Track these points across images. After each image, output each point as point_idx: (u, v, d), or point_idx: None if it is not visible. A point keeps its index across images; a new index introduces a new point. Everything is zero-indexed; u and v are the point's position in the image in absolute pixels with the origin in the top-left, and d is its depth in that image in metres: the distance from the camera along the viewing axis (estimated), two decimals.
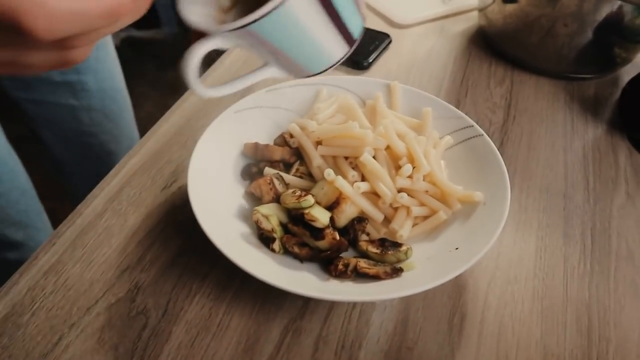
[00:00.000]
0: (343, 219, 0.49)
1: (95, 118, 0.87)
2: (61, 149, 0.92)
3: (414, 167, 0.50)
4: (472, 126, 0.57)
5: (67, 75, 0.80)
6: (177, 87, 0.99)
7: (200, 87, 0.37)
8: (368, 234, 0.50)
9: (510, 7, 0.73)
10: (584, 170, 0.62)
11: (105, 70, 0.86)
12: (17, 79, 0.79)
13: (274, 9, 0.32)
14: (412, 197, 0.51)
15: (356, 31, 0.38)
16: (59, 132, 0.88)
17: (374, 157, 0.52)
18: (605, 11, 0.67)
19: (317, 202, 0.49)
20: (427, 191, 0.52)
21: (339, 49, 0.38)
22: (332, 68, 0.39)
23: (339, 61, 0.38)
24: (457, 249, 0.47)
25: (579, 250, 0.53)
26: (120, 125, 0.91)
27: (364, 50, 0.76)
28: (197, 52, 0.35)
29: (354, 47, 0.38)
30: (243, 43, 0.36)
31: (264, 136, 0.58)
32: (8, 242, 0.84)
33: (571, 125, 0.68)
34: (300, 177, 0.54)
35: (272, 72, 0.39)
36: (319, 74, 0.39)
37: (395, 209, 0.51)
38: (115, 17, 0.29)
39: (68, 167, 0.96)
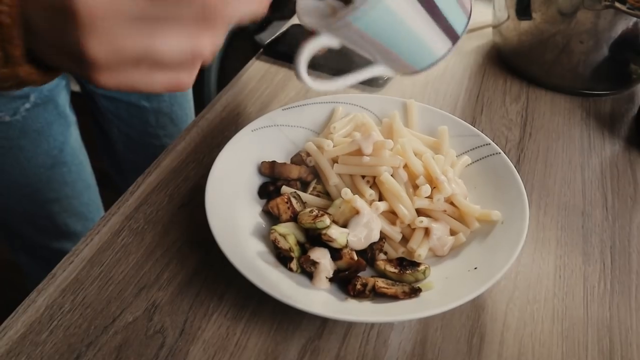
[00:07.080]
0: None
1: (162, 121, 0.92)
2: (124, 146, 0.96)
3: (433, 188, 0.50)
4: (489, 144, 0.56)
5: None
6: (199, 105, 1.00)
7: (310, 80, 0.39)
8: (386, 253, 0.50)
9: (525, 24, 0.73)
10: (602, 187, 0.62)
11: None
12: None
13: (374, 5, 0.33)
14: (429, 216, 0.51)
15: (459, 26, 0.37)
16: (125, 129, 0.92)
17: (391, 176, 0.51)
18: (620, 28, 0.67)
19: (334, 221, 0.49)
20: (445, 210, 0.51)
21: (442, 45, 0.38)
22: (437, 64, 0.39)
23: (442, 57, 0.38)
24: (475, 268, 0.46)
25: (599, 269, 0.53)
26: (182, 131, 0.95)
27: None
28: (307, 48, 0.37)
29: (458, 42, 0.38)
30: (347, 40, 0.37)
31: (281, 154, 0.58)
32: (67, 232, 0.88)
33: (588, 142, 0.68)
34: (318, 195, 0.54)
35: (379, 70, 0.40)
36: (424, 70, 0.40)
37: (413, 228, 0.51)
38: None
39: (126, 164, 1.00)
